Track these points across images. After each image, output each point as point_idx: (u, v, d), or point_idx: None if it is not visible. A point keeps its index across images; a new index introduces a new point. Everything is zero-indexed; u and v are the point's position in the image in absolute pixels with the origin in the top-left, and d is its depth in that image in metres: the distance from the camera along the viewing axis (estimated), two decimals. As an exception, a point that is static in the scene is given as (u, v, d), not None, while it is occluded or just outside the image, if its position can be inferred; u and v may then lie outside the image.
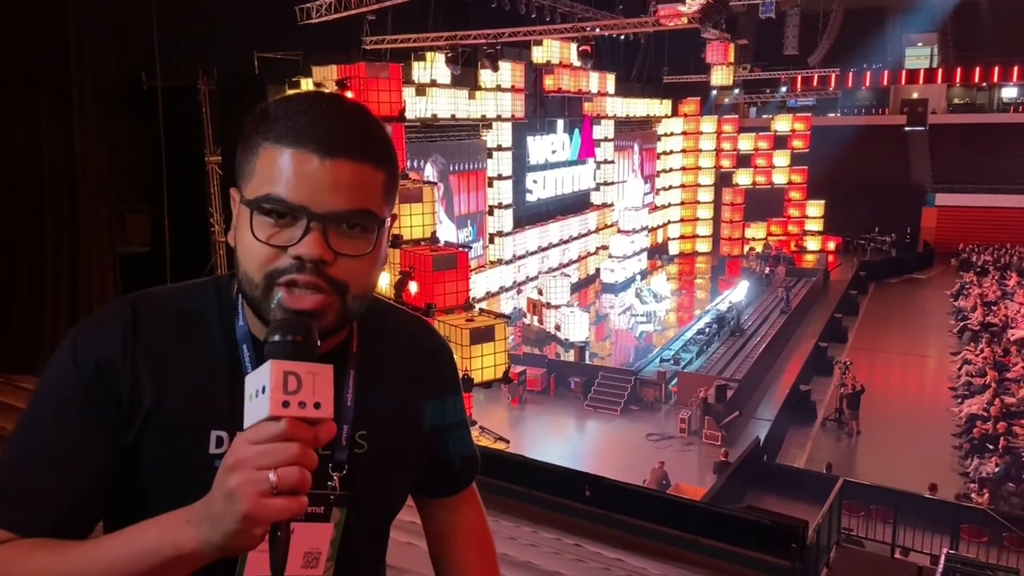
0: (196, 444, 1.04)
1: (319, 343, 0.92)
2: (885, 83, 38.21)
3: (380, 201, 1.02)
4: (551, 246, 24.47)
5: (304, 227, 0.97)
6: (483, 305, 18.08)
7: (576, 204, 26.58)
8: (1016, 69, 35.71)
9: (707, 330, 20.55)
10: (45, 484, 0.98)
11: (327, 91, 1.08)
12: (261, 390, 0.86)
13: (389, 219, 1.05)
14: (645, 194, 30.89)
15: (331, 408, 0.87)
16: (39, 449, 1.00)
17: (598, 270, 26.64)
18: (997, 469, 12.81)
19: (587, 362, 18.77)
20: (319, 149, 0.97)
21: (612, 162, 28.08)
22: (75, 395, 1.01)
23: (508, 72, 21.32)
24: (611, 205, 28.06)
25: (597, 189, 27.72)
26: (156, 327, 1.06)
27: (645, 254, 28.03)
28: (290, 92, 1.06)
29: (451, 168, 20.49)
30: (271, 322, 0.97)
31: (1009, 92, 39.14)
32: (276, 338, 0.90)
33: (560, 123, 25.18)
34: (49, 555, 0.93)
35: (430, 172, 19.50)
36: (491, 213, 22.02)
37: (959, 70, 37.17)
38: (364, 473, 1.10)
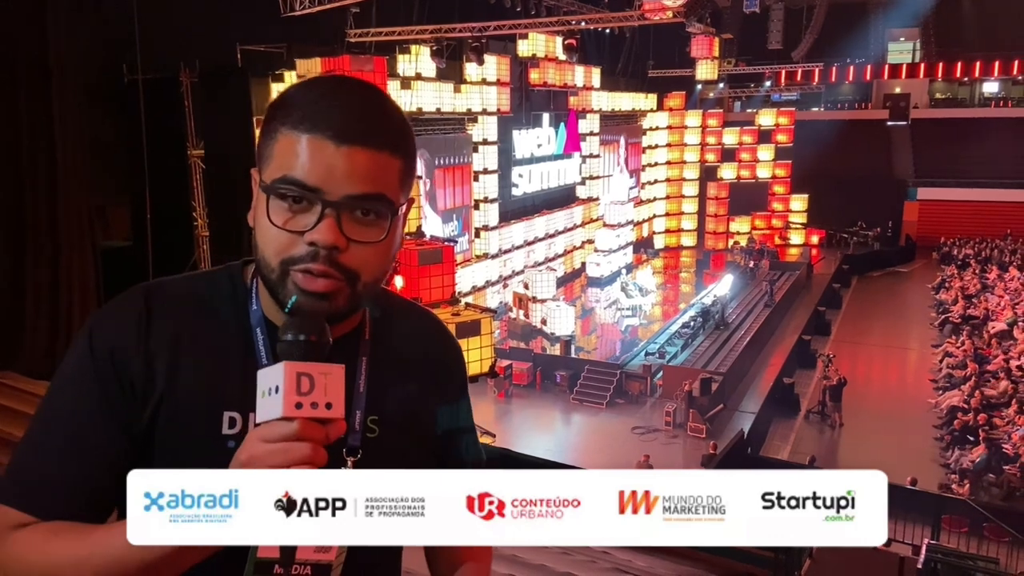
0: (209, 425, 1.06)
1: (330, 338, 0.95)
2: (868, 78, 38.44)
3: (396, 188, 1.04)
4: (537, 240, 24.47)
5: (319, 213, 0.99)
6: (469, 299, 18.07)
7: (562, 198, 26.59)
8: (997, 64, 36.05)
9: (692, 324, 20.64)
10: (64, 470, 1.02)
11: (347, 76, 1.13)
12: (275, 389, 0.89)
13: (405, 205, 1.07)
14: (630, 188, 30.93)
15: (343, 408, 0.91)
16: (58, 436, 1.04)
17: (584, 264, 26.68)
18: (978, 460, 12.97)
19: (573, 356, 18.79)
20: (335, 136, 0.99)
21: (597, 156, 28.09)
22: (91, 383, 1.04)
23: (493, 66, 21.26)
24: (596, 199, 28.08)
25: (583, 183, 27.72)
26: (169, 313, 1.09)
27: (630, 248, 28.09)
28: (310, 77, 1.09)
29: (436, 162, 20.42)
30: (285, 310, 1.00)
31: (990, 87, 39.50)
32: (289, 337, 0.92)
33: (546, 117, 25.15)
34: (67, 539, 0.96)
35: (419, 166, 19.40)
36: (477, 207, 21.97)
37: (941, 65, 37.49)
38: (377, 458, 1.11)
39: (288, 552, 0.91)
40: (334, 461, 1.05)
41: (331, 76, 1.08)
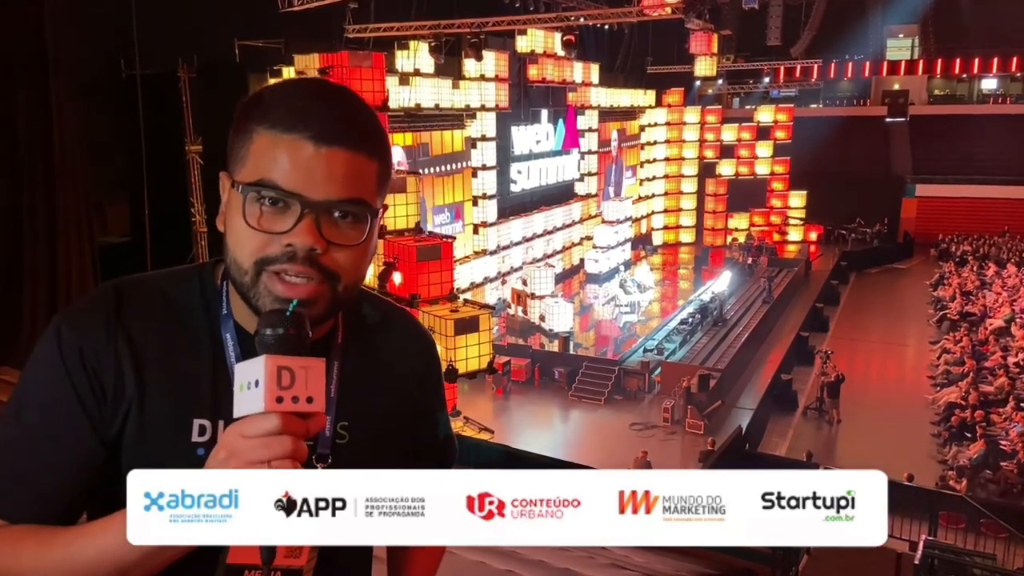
0: (179, 433, 1.03)
1: (310, 331, 0.93)
2: (867, 74, 38.44)
3: (373, 191, 1.02)
4: (535, 236, 24.45)
5: (298, 215, 0.97)
6: (467, 295, 18.06)
7: (560, 194, 26.57)
8: (995, 61, 36.05)
9: (690, 320, 20.64)
10: (33, 472, 0.99)
11: (322, 79, 1.12)
12: (254, 383, 0.87)
13: (381, 209, 1.06)
14: (629, 184, 30.91)
15: (323, 402, 0.89)
16: (27, 437, 1.00)
17: (582, 260, 26.67)
18: (975, 456, 13.00)
19: (571, 352, 18.79)
20: (315, 137, 0.97)
21: (596, 152, 28.08)
22: (61, 384, 1.01)
23: (492, 62, 21.22)
24: (595, 195, 28.07)
25: (581, 179, 27.71)
26: (139, 315, 1.06)
27: (629, 244, 28.08)
28: (285, 78, 1.06)
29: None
30: (261, 312, 0.98)
31: (988, 83, 39.53)
32: (268, 331, 0.90)
33: (544, 113, 25.12)
34: (37, 542, 0.94)
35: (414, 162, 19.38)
36: (475, 203, 21.95)
37: (940, 62, 37.49)
38: (346, 464, 1.09)
39: (267, 557, 0.90)
40: (305, 466, 1.04)
41: (306, 78, 1.07)
